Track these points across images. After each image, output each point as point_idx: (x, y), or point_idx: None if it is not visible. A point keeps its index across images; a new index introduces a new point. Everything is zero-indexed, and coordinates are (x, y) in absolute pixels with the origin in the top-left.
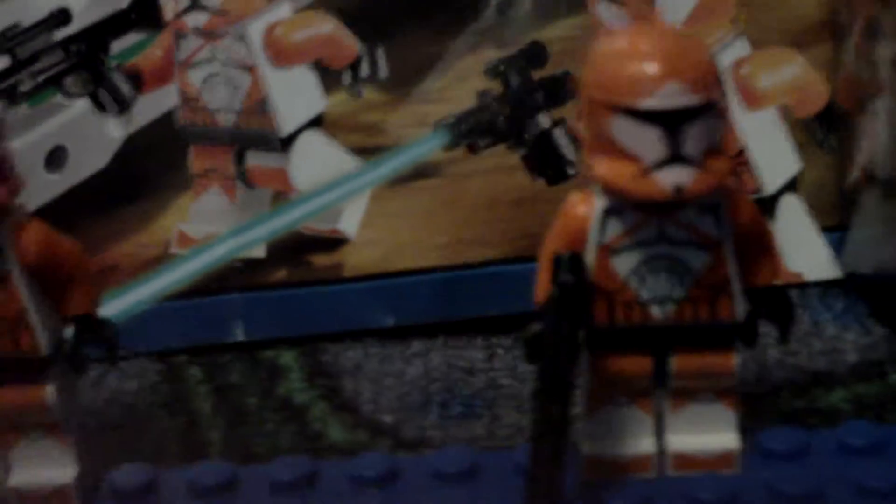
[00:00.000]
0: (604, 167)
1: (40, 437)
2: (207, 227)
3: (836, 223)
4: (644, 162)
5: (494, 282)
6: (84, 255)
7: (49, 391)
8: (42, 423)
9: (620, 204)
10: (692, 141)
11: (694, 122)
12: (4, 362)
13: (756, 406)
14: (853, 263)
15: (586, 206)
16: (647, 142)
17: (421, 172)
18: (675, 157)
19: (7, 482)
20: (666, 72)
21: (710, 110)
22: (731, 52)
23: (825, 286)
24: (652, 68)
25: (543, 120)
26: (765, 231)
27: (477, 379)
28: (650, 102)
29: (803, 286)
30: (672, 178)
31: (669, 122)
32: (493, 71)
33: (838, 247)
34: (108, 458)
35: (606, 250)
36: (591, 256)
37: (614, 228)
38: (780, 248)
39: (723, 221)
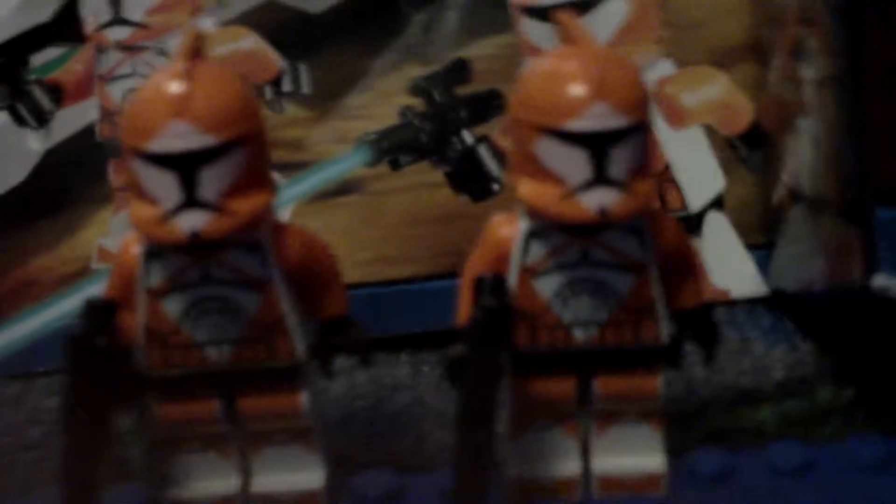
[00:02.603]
0: (528, 188)
1: (288, 443)
2: None
3: (761, 241)
4: (569, 184)
5: (418, 298)
6: (335, 256)
7: (303, 397)
8: (291, 429)
9: (544, 226)
10: (618, 163)
11: (620, 144)
12: (259, 370)
13: (684, 426)
14: (779, 281)
15: (510, 228)
16: (573, 163)
17: (342, 189)
18: (599, 180)
19: (251, 488)
20: (592, 93)
21: (637, 132)
22: (656, 72)
23: (752, 304)
24: (578, 89)
25: (468, 137)
26: (689, 253)
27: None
28: (576, 124)
29: (731, 304)
30: (596, 200)
31: (595, 143)
32: (417, 88)
33: (764, 265)
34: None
35: (529, 273)
36: (514, 278)
37: (538, 251)
38: (706, 265)
39: (647, 244)
